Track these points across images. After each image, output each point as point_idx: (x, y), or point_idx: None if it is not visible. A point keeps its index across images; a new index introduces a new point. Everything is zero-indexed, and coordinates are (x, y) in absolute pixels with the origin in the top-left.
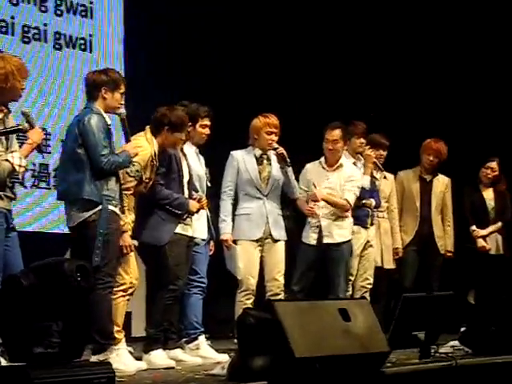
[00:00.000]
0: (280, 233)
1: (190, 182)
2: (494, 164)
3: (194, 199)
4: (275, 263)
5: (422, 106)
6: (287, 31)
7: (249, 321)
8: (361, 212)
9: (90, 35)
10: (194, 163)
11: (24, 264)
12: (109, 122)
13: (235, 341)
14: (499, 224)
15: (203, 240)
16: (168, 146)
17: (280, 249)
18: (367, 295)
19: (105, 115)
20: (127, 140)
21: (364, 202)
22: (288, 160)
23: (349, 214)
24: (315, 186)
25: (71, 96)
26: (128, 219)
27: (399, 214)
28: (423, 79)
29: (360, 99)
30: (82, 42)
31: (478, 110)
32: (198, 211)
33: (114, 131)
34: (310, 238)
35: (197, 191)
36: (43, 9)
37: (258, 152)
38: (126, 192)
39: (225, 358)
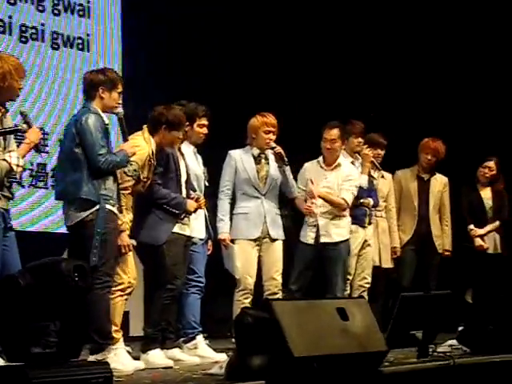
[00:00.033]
0: (278, 232)
1: (188, 181)
2: (491, 163)
3: (192, 199)
4: (273, 262)
5: (420, 106)
6: (286, 31)
7: (247, 320)
8: (359, 211)
9: (88, 35)
10: (191, 162)
11: (22, 264)
12: (106, 122)
13: (233, 340)
14: (497, 223)
15: (201, 239)
16: (166, 144)
17: (278, 248)
18: (365, 294)
19: (102, 115)
20: (125, 139)
21: (362, 201)
22: (286, 159)
23: (347, 213)
24: (312, 183)
25: (69, 96)
26: (126, 218)
27: (397, 213)
28: (421, 79)
29: (358, 99)
30: (80, 41)
31: (475, 110)
32: (195, 211)
33: (111, 131)
34: (307, 237)
35: (194, 190)
36: (41, 8)
37: (256, 151)
38: (123, 191)
39: (223, 357)
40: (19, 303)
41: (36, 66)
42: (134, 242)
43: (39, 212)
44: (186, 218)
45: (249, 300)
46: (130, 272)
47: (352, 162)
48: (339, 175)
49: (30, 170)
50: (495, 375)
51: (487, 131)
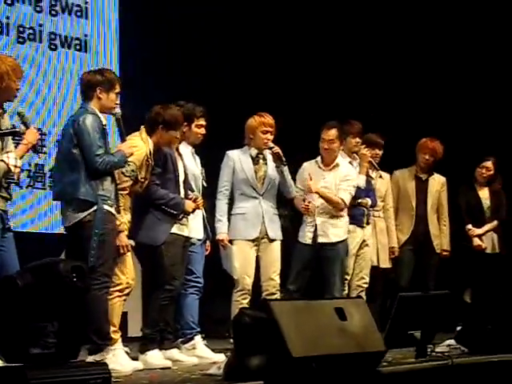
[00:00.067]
0: (276, 232)
1: (186, 181)
2: (489, 163)
3: (190, 199)
4: (271, 263)
5: (418, 106)
6: (285, 32)
7: (245, 320)
8: (357, 211)
9: (85, 35)
10: (189, 163)
11: (20, 264)
12: (104, 122)
13: (231, 340)
14: (495, 223)
15: (199, 240)
16: (163, 144)
17: (276, 248)
18: (363, 294)
19: (100, 115)
20: (122, 140)
21: (360, 201)
22: (284, 159)
23: (344, 213)
24: (311, 178)
25: (66, 96)
26: (124, 219)
27: (395, 213)
28: (419, 79)
29: (356, 99)
30: (77, 42)
31: (473, 110)
32: (193, 211)
33: (109, 131)
34: (305, 237)
35: (192, 191)
36: (38, 9)
37: (254, 151)
38: (121, 192)
39: (221, 357)
40: (17, 304)
41: (34, 66)
42: (132, 242)
43: (37, 213)
44: (184, 219)
45: (247, 300)
46: (129, 273)
47: (350, 162)
48: (337, 175)
49: (27, 170)
50: (493, 375)
51: (485, 131)
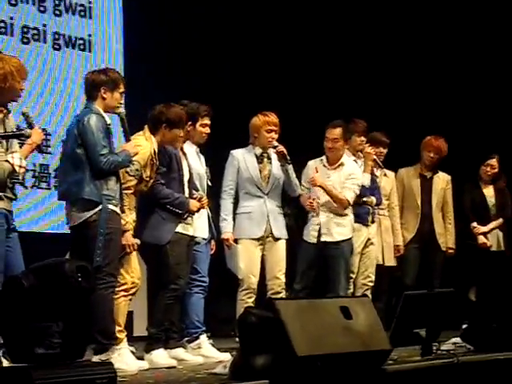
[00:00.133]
0: (281, 231)
1: (191, 181)
2: (493, 161)
3: (195, 198)
4: (276, 262)
5: (422, 104)
6: (287, 30)
7: (250, 319)
8: (361, 210)
9: (89, 35)
10: (194, 162)
11: (25, 264)
12: (108, 122)
13: (237, 340)
14: (500, 220)
15: (204, 239)
16: (167, 143)
17: (281, 247)
18: (369, 293)
19: (104, 115)
20: (127, 139)
21: (365, 199)
22: (288, 158)
23: (349, 211)
24: (317, 171)
25: (71, 96)
26: (129, 218)
27: (400, 211)
28: (423, 77)
29: (360, 97)
30: (81, 42)
31: (477, 107)
32: (198, 210)
33: (114, 131)
34: (310, 235)
35: (197, 190)
36: (42, 9)
37: (259, 150)
38: (126, 191)
39: (226, 356)
40: (23, 304)
41: (38, 66)
42: (138, 241)
43: (42, 213)
44: (188, 218)
45: (252, 299)
46: (134, 272)
47: (354, 161)
48: (342, 174)
49: (32, 170)
50: (499, 373)
51: (489, 129)
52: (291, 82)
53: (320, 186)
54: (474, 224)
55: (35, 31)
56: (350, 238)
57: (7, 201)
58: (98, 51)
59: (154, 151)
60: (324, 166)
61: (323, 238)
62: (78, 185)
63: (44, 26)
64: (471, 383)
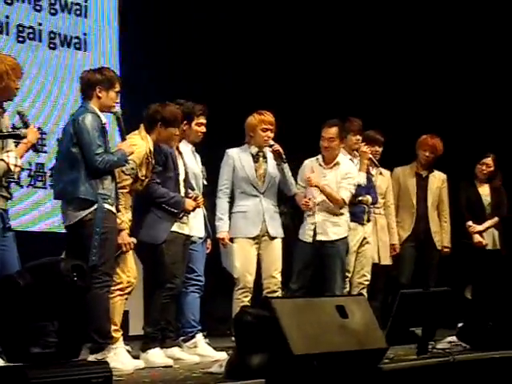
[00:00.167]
0: (277, 230)
1: (186, 180)
2: (489, 160)
3: (191, 197)
4: (272, 261)
5: (418, 102)
6: (283, 31)
7: (246, 318)
8: (357, 208)
9: (85, 34)
10: (189, 161)
11: (20, 264)
12: (104, 121)
13: (233, 338)
14: (495, 219)
15: (200, 238)
16: (162, 141)
17: (277, 246)
18: (364, 292)
19: (100, 114)
20: (123, 139)
21: (360, 198)
22: (284, 157)
23: (345, 211)
24: (313, 171)
25: (66, 95)
26: (125, 217)
27: (396, 210)
28: (419, 75)
29: (356, 96)
30: (77, 40)
31: (473, 106)
32: (194, 209)
33: (109, 130)
34: (306, 235)
35: (193, 189)
36: (38, 8)
37: (254, 149)
38: (121, 190)
39: (223, 355)
40: (18, 303)
41: (33, 65)
42: (134, 240)
43: (38, 212)
44: (184, 217)
45: (248, 298)
46: (130, 271)
47: (350, 160)
48: (338, 174)
49: (28, 170)
50: (495, 372)
51: (485, 128)
52: (287, 81)
53: (316, 186)
54: (470, 223)
55: (31, 30)
56: (345, 237)
57: (2, 200)
58: (94, 50)
59: (150, 150)
60: (320, 165)
61: (319, 237)
62: (73, 184)
63: (40, 24)
64: (467, 382)
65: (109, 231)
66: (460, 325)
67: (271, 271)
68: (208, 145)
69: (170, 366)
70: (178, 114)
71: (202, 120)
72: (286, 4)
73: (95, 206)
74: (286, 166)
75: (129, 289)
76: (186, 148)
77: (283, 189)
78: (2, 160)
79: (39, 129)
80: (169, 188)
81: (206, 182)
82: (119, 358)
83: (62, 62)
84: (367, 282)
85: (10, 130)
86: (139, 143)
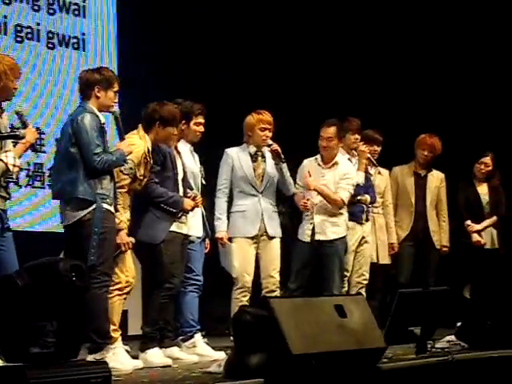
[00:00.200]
0: (275, 230)
1: (185, 179)
2: (487, 159)
3: (189, 197)
4: (271, 260)
5: (416, 102)
6: (282, 30)
7: (245, 318)
8: (356, 208)
9: (83, 34)
10: (188, 161)
11: (19, 264)
12: (102, 121)
13: (231, 338)
14: (494, 218)
15: (198, 238)
16: (161, 141)
17: (275, 246)
18: (363, 291)
19: (98, 114)
20: (121, 138)
21: (359, 198)
22: (282, 156)
23: (343, 210)
24: (310, 175)
25: (65, 95)
26: (123, 217)
27: (394, 209)
28: (417, 75)
29: (354, 96)
30: (75, 40)
31: (471, 106)
32: (192, 209)
33: (108, 130)
34: (304, 235)
35: (191, 189)
36: (36, 8)
37: (253, 149)
38: (120, 190)
39: (221, 355)
40: (17, 303)
41: (32, 65)
42: (132, 239)
43: (36, 212)
44: (183, 217)
45: (247, 298)
46: (129, 271)
47: (349, 159)
48: (336, 174)
49: (26, 169)
50: (494, 371)
51: (483, 127)
52: (286, 81)
53: (315, 190)
54: (468, 222)
55: (29, 30)
56: (344, 237)
57: (1, 200)
58: (92, 50)
59: (148, 150)
60: (319, 164)
61: (317, 237)
62: (72, 184)
63: (38, 24)
64: (466, 381)
65: (107, 231)
66: (459, 324)
67: (270, 271)
68: (206, 144)
69: (169, 366)
70: (176, 114)
71: (201, 119)
72: (286, 2)
73: (94, 206)
74: (284, 166)
75: (127, 288)
76: (184, 147)
77: (282, 188)
78: (1, 160)
79: (38, 129)
80: (167, 188)
81: (204, 182)
82: (118, 357)
83: (60, 62)
84: (366, 282)
85: (9, 130)
86: (137, 143)
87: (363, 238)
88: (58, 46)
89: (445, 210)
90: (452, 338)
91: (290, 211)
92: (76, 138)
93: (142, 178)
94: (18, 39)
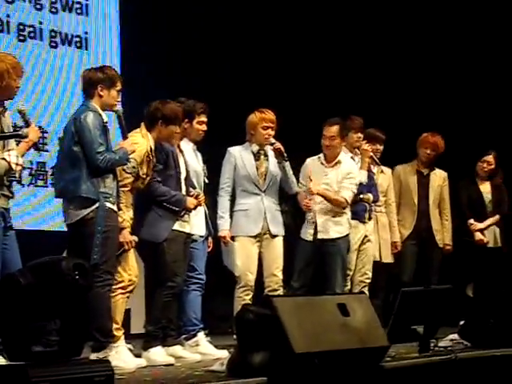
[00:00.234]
0: (278, 228)
1: (188, 178)
2: (490, 157)
3: (192, 196)
4: (273, 259)
5: (419, 100)
6: (284, 29)
7: (248, 317)
8: (359, 207)
9: (86, 33)
10: (191, 159)
11: (22, 263)
12: (105, 120)
13: (234, 337)
14: (497, 217)
15: (201, 236)
16: (163, 139)
17: (278, 244)
18: (366, 290)
19: (101, 113)
20: (124, 137)
21: (362, 196)
22: (285, 155)
23: (346, 209)
24: (311, 180)
25: (67, 94)
26: (126, 216)
27: (397, 208)
28: (420, 73)
29: (357, 94)
30: (78, 39)
31: (474, 104)
32: (195, 208)
33: (111, 129)
34: (307, 234)
35: (194, 188)
36: (38, 7)
37: (255, 148)
38: (123, 188)
39: (224, 354)
40: (20, 302)
41: (34, 64)
42: (135, 238)
43: (39, 210)
44: (185, 216)
45: (249, 296)
46: (132, 270)
47: (352, 158)
48: (339, 172)
49: (29, 168)
50: (497, 369)
51: (486, 125)
52: (288, 80)
53: (318, 194)
54: (471, 221)
55: (32, 29)
56: (346, 235)
57: (4, 199)
58: (95, 49)
59: (151, 148)
60: (321, 163)
61: (320, 236)
62: (75, 182)
63: (40, 23)
64: (469, 380)
65: (110, 230)
66: (462, 323)
67: (272, 269)
68: (209, 143)
69: (172, 365)
70: (179, 112)
71: (203, 118)
72: (286, 1)
73: (97, 205)
74: (287, 165)
75: (130, 287)
76: (187, 146)
77: (284, 187)
78: (4, 159)
79: (40, 127)
80: (170, 186)
81: (207, 180)
82: (121, 356)
83: (62, 61)
84: (368, 280)
85: (12, 129)
86: (140, 141)
87: (366, 236)
88: (60, 45)
89: (448, 208)
90: (455, 336)
91: (293, 210)
92: (79, 136)
93: (144, 176)
94: (21, 38)
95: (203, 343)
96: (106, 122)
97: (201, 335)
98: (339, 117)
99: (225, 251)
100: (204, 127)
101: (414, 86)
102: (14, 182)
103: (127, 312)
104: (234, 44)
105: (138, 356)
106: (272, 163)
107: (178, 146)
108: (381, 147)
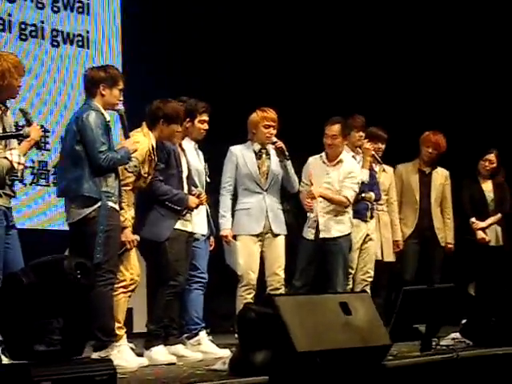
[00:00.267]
0: (280, 227)
1: (189, 177)
2: (492, 156)
3: (194, 195)
4: (275, 258)
5: (421, 99)
6: (286, 28)
7: (250, 315)
8: (360, 205)
9: (87, 32)
10: (192, 158)
11: (24, 261)
12: (107, 119)
13: (236, 336)
14: (499, 216)
15: (203, 235)
16: (165, 138)
17: (280, 243)
18: (368, 288)
19: (103, 112)
20: (126, 136)
21: (364, 195)
22: (287, 154)
23: (348, 208)
24: (312, 184)
25: (69, 93)
26: (128, 215)
27: (399, 206)
28: (422, 72)
29: (359, 93)
30: (79, 38)
31: (476, 103)
32: (197, 207)
33: (113, 128)
34: (309, 233)
35: (196, 186)
36: (40, 6)
37: (257, 146)
38: (124, 188)
39: (226, 353)
40: (22, 301)
41: (36, 63)
42: (137, 237)
43: (41, 210)
44: (187, 215)
45: (251, 295)
46: (133, 269)
47: (353, 157)
48: (341, 171)
49: (31, 167)
50: (498, 368)
51: (487, 124)
52: (290, 79)
53: (320, 197)
54: (473, 219)
55: (33, 28)
56: (348, 234)
57: (6, 198)
58: (96, 48)
59: (152, 147)
60: (323, 162)
61: (322, 235)
62: (77, 182)
63: (42, 22)
64: (471, 378)
65: (112, 229)
66: (463, 321)
67: (274, 268)
68: (211, 142)
69: (174, 364)
70: (180, 111)
71: (205, 117)
72: (290, 2)
73: (99, 204)
74: (288, 163)
75: (132, 286)
76: (188, 145)
77: (286, 186)
78: (6, 158)
79: (42, 126)
80: (172, 185)
81: (208, 179)
82: (123, 355)
83: (64, 60)
84: (370, 279)
85: (14, 128)
86: (142, 140)
87: (368, 235)
88: (62, 44)
89: (449, 207)
90: (457, 335)
91: (295, 209)
92: (81, 135)
93: (146, 175)
94: (23, 37)
95: (205, 342)
96: (109, 121)
97: (203, 334)
98: (341, 116)
99: (227, 250)
100: (206, 126)
101: (415, 84)
102: (16, 181)
103: (129, 311)
104: (234, 44)
105: (139, 355)
106: (274, 162)
107: (180, 145)
108: (383, 146)
